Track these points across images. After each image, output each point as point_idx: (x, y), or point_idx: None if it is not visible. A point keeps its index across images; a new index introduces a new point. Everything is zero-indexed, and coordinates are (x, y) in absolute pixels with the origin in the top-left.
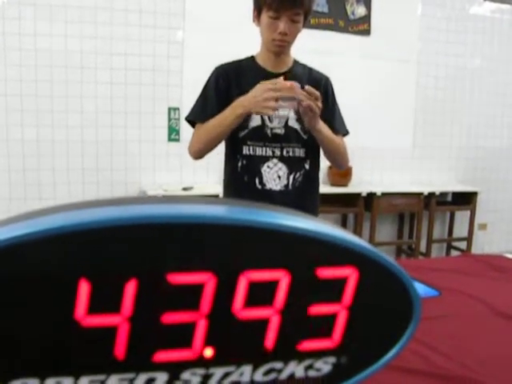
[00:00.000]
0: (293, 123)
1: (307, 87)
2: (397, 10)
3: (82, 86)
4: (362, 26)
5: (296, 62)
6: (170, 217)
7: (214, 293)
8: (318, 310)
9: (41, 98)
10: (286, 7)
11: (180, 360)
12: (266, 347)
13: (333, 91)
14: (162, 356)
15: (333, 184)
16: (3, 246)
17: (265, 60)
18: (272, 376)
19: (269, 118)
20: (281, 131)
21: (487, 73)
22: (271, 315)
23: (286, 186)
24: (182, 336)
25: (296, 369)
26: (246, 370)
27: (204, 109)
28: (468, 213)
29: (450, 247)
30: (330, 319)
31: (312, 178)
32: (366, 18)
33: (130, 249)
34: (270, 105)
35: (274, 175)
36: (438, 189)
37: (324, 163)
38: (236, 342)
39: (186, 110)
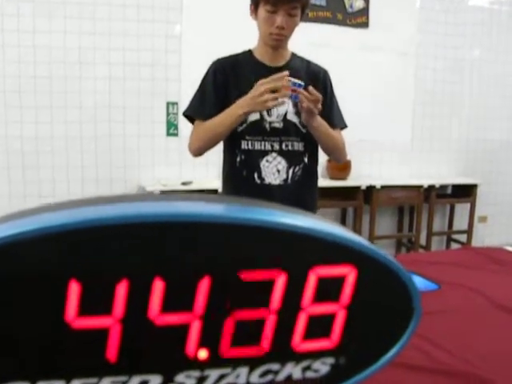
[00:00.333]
0: (291, 117)
1: (310, 88)
2: (395, 3)
3: (80, 82)
4: (360, 19)
5: (294, 55)
6: (162, 215)
7: (208, 293)
8: (316, 309)
9: (39, 95)
10: (284, 1)
11: (173, 362)
12: (263, 348)
13: (331, 84)
14: (155, 358)
15: (332, 177)
16: None
17: (262, 54)
18: (269, 378)
19: (267, 112)
20: (279, 125)
21: (486, 64)
22: (267, 315)
23: (286, 180)
24: (175, 337)
25: (293, 370)
26: (242, 371)
27: (202, 104)
28: (468, 205)
29: (450, 240)
30: (328, 319)
31: (311, 171)
32: (365, 11)
33: (121, 249)
34: (266, 98)
35: (273, 169)
36: (437, 181)
37: (323, 157)
38: (231, 343)
39: (184, 104)
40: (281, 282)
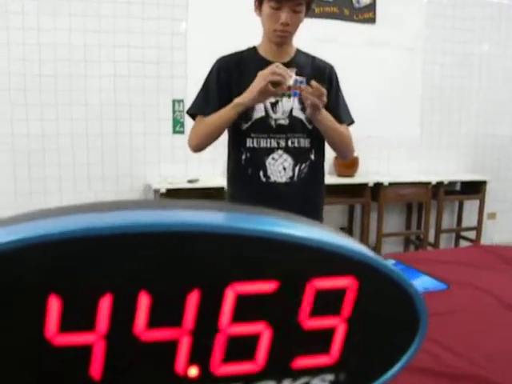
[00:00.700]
0: (297, 113)
1: (314, 83)
2: None
3: (85, 80)
4: (367, 14)
5: (299, 51)
6: (147, 225)
7: (198, 307)
8: (314, 323)
9: (45, 93)
10: None
11: (162, 380)
12: (257, 364)
13: (337, 80)
14: (142, 376)
15: (339, 174)
16: None
17: (266, 50)
18: None
19: (272, 108)
20: (285, 122)
21: (495, 58)
22: (262, 330)
23: (292, 177)
24: (163, 354)
25: None
26: None
27: (206, 102)
28: (477, 202)
29: (458, 237)
30: (328, 333)
31: (317, 168)
32: (371, 6)
33: (103, 261)
34: (262, 87)
35: (279, 167)
36: (446, 178)
37: (330, 153)
38: (223, 360)
39: (190, 101)
40: (276, 294)
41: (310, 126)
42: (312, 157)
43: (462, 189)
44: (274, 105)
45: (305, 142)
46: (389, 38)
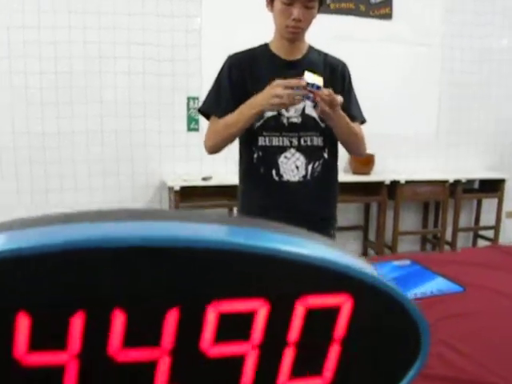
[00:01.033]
0: (310, 111)
1: (328, 92)
2: None
3: (100, 77)
4: (383, 10)
5: (311, 48)
6: (122, 239)
7: (178, 326)
8: (305, 343)
9: (60, 90)
10: None
11: None
12: None
13: (350, 77)
14: None
15: (355, 172)
16: None
17: (278, 47)
18: None
19: None
20: (298, 120)
21: None
22: (247, 351)
23: (305, 176)
24: (141, 375)
25: None
26: None
27: (217, 100)
28: (495, 200)
29: (476, 236)
30: (320, 354)
31: (331, 167)
32: (388, 2)
33: (75, 277)
34: (277, 101)
35: (292, 166)
36: (464, 176)
37: (345, 151)
38: (205, 382)
39: None
40: (263, 313)
41: (322, 125)
42: (325, 155)
43: (481, 187)
44: None
45: (318, 141)
46: (406, 34)
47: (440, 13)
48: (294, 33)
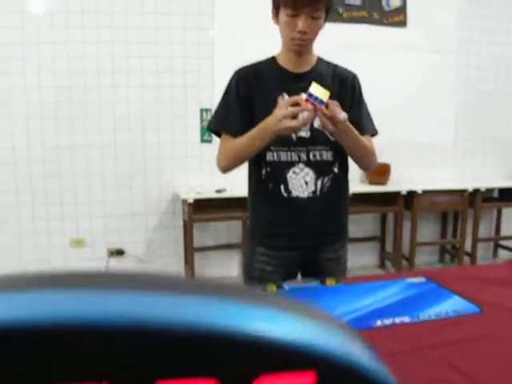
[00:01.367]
0: (319, 125)
1: (330, 108)
2: None
3: (114, 91)
4: (397, 18)
5: (320, 60)
6: (58, 318)
7: None
8: None
9: (74, 104)
10: (304, 4)
11: None
12: None
13: (360, 89)
14: None
15: (371, 182)
16: None
17: (286, 60)
18: None
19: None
20: (306, 134)
21: None
22: None
23: (314, 192)
24: None
25: None
26: None
27: (226, 117)
28: None
29: (497, 246)
30: None
31: (341, 181)
32: (402, 9)
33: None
34: (288, 125)
35: (301, 181)
36: (483, 185)
37: None
38: None
39: None
40: None
41: (332, 138)
42: (335, 170)
43: (501, 196)
44: (294, 117)
45: (327, 155)
46: (420, 41)
47: (455, 19)
48: (300, 45)
